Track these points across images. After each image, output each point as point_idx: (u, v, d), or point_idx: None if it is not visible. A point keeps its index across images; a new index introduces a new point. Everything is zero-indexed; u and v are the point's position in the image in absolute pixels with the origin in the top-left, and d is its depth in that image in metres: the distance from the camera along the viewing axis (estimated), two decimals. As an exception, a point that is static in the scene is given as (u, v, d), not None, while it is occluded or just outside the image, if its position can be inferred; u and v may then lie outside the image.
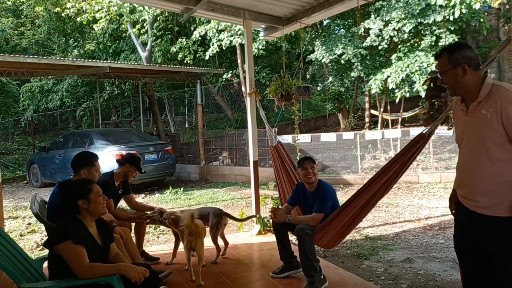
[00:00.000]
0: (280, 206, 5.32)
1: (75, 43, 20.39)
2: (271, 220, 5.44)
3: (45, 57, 12.39)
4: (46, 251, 5.30)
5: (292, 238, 4.30)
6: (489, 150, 2.16)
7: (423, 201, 7.70)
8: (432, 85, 3.37)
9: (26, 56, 10.67)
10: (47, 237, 3.09)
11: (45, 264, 2.87)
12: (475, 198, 2.24)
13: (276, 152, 4.99)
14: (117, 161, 4.37)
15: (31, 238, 6.17)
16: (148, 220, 4.26)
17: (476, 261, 2.30)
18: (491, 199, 2.17)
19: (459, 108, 2.37)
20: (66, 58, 13.58)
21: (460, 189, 2.38)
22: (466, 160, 2.31)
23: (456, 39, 9.17)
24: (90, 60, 14.20)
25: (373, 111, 12.59)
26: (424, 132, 3.29)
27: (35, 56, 12.01)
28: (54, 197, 3.58)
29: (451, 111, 3.02)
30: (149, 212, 4.33)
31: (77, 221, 2.57)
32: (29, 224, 6.98)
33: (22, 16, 22.48)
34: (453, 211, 2.53)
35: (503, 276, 2.17)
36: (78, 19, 13.11)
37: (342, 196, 3.87)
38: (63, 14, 13.97)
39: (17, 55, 10.98)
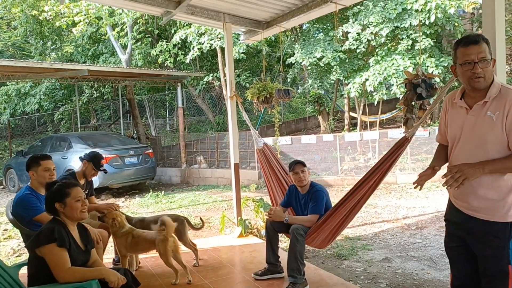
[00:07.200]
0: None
1: (53, 46, 20.03)
2: (252, 222, 5.50)
3: (21, 60, 12.16)
4: (23, 258, 5.23)
5: (281, 241, 4.30)
6: (489, 153, 2.07)
7: (401, 201, 7.85)
8: (408, 89, 3.45)
9: (2, 59, 10.44)
10: (28, 240, 3.03)
11: (21, 271, 2.83)
12: (467, 200, 2.16)
13: (263, 155, 4.95)
14: (80, 158, 4.25)
15: (8, 244, 6.04)
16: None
17: (467, 265, 2.24)
18: (485, 203, 2.09)
19: (457, 105, 2.21)
20: (44, 61, 13.30)
21: (452, 189, 2.23)
22: (462, 160, 2.15)
23: (432, 43, 9.40)
24: (68, 63, 14.01)
25: (352, 114, 12.82)
26: (407, 135, 3.35)
27: (11, 59, 11.79)
28: (18, 200, 3.42)
29: (429, 114, 3.01)
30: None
31: (60, 223, 2.56)
32: (5, 230, 6.82)
33: (-2, 18, 22.00)
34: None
35: (495, 280, 2.11)
36: (57, 23, 12.91)
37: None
38: (40, 17, 13.74)
39: (-8, 58, 10.75)
